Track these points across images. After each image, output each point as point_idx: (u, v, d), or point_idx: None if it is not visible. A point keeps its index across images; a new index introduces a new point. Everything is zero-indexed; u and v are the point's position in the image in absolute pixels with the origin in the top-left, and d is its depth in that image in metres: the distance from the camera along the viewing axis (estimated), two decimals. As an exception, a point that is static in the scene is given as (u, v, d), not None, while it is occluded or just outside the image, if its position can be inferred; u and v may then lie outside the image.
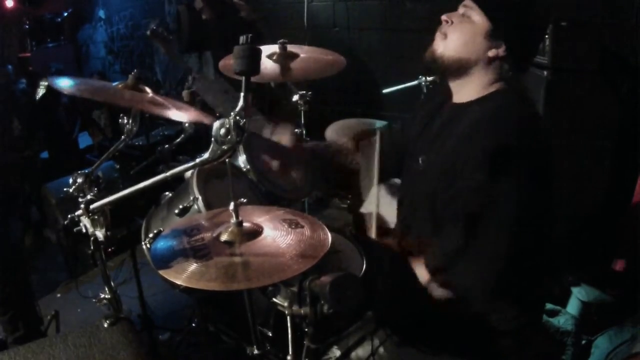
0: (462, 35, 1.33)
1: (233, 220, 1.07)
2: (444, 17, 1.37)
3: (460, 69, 1.35)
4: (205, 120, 1.47)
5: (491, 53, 1.30)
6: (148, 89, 1.49)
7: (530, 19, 1.33)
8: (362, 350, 1.37)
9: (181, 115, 1.48)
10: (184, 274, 0.96)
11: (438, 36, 1.38)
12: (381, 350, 1.36)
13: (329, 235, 1.08)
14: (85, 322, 1.36)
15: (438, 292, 1.30)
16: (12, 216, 2.34)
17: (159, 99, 1.46)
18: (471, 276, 1.25)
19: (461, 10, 1.34)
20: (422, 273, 1.34)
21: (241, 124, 0.91)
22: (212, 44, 3.22)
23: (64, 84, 1.29)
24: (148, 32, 2.83)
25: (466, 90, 1.37)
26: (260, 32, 3.17)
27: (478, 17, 1.30)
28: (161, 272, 0.99)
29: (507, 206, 1.20)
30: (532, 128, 1.30)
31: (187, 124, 1.80)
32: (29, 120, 3.62)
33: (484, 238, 1.22)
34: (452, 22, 1.35)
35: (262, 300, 1.35)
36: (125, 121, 1.37)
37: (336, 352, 1.39)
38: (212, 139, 0.94)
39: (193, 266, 0.98)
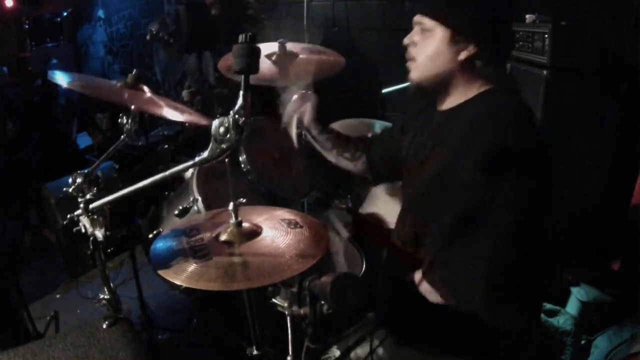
0: (428, 52, 1.30)
1: (232, 220, 1.07)
2: (405, 42, 1.35)
3: (440, 83, 1.33)
4: (202, 121, 1.47)
5: (462, 56, 1.27)
6: (146, 89, 1.48)
7: (487, 10, 1.29)
8: (362, 350, 1.37)
9: (178, 115, 1.48)
10: (184, 274, 0.96)
11: (409, 63, 1.36)
12: (380, 350, 1.36)
13: (329, 235, 1.07)
14: (84, 323, 1.35)
15: (432, 296, 1.30)
16: (8, 217, 2.33)
17: (156, 99, 1.46)
18: (468, 276, 1.24)
19: (418, 26, 1.32)
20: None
21: (240, 122, 0.91)
22: (219, 41, 3.19)
23: (60, 79, 1.29)
24: (148, 37, 2.83)
25: (452, 97, 1.36)
26: (265, 30, 3.16)
27: (437, 27, 1.27)
28: (160, 272, 0.99)
29: (508, 206, 1.19)
30: (530, 126, 1.29)
31: (187, 125, 1.80)
32: (23, 122, 3.60)
33: (484, 238, 1.21)
34: (415, 44, 1.33)
35: (262, 300, 1.35)
36: (125, 121, 1.37)
37: (336, 352, 1.39)
38: (212, 137, 0.93)
39: (192, 266, 0.98)
